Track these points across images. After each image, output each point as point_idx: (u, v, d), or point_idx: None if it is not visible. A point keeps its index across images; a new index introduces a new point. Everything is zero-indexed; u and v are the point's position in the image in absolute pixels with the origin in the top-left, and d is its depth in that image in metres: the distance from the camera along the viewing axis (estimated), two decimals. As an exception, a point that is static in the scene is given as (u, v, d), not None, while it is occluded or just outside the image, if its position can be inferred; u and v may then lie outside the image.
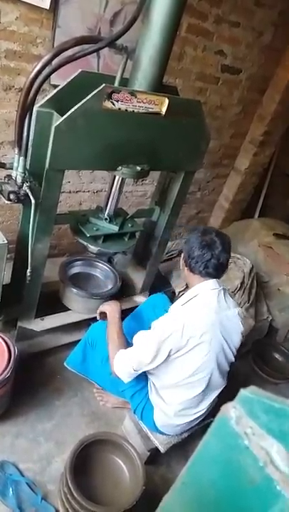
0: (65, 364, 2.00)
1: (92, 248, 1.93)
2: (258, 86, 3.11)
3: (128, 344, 1.65)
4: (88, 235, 1.88)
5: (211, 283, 1.57)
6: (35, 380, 2.00)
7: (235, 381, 1.75)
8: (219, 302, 1.56)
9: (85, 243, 1.91)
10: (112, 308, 1.80)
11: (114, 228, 1.97)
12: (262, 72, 3.02)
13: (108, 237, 1.98)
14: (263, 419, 0.46)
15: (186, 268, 1.62)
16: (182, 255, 1.64)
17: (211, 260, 1.52)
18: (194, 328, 1.49)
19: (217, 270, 1.55)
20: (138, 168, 1.71)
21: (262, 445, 0.45)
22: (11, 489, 1.54)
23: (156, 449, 1.76)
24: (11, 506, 1.50)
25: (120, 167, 1.69)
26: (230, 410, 0.48)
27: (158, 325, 1.54)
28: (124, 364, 1.56)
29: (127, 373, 1.57)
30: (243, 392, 0.48)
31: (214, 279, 1.58)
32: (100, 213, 2.00)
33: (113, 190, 1.91)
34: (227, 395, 1.68)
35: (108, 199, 1.95)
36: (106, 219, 1.97)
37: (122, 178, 1.85)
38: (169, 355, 1.50)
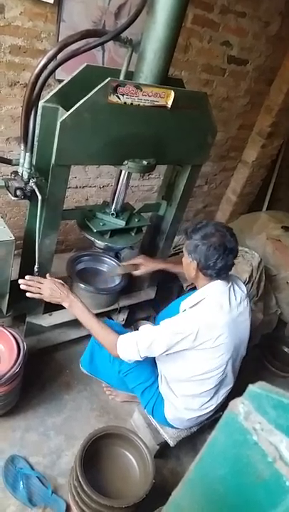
0: (80, 366, 2.00)
1: (99, 243, 1.93)
2: (266, 77, 3.07)
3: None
4: (95, 230, 1.89)
5: (221, 284, 1.55)
6: (44, 375, 2.02)
7: (244, 375, 1.74)
8: (230, 301, 1.54)
9: (92, 238, 1.91)
10: (66, 296, 1.65)
11: (120, 223, 1.97)
12: (269, 62, 2.98)
13: (115, 232, 1.97)
14: (271, 414, 0.46)
15: (196, 269, 1.54)
16: (192, 256, 1.52)
17: (227, 264, 1.49)
18: (210, 331, 1.47)
19: (229, 270, 1.56)
20: (144, 162, 1.70)
21: (271, 440, 0.45)
22: (21, 483, 1.56)
23: (166, 443, 1.77)
24: (21, 500, 1.52)
25: (126, 161, 1.68)
26: (239, 406, 0.47)
27: (170, 326, 1.49)
28: (132, 352, 1.53)
29: (134, 358, 1.55)
30: (252, 388, 0.48)
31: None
32: (106, 208, 2.00)
33: (119, 184, 1.90)
34: (236, 389, 1.68)
35: (115, 194, 1.94)
36: (113, 214, 1.97)
37: (129, 173, 1.84)
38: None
